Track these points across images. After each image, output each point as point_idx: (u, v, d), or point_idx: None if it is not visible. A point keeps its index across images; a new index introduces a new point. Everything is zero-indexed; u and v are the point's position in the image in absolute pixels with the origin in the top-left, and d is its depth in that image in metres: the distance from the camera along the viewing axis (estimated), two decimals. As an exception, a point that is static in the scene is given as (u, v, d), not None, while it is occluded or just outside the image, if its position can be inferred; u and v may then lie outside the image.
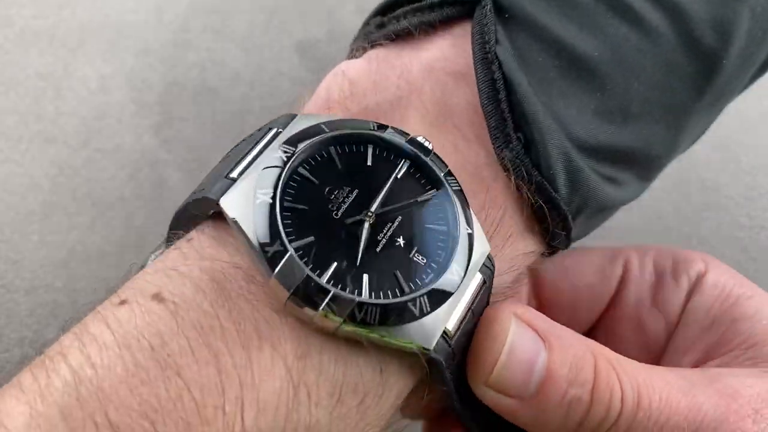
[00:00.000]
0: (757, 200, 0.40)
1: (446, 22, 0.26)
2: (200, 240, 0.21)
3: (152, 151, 0.41)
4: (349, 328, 0.19)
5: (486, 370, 0.22)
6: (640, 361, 0.24)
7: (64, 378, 0.18)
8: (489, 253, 0.22)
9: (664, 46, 0.25)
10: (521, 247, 0.25)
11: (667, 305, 0.29)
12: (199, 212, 0.21)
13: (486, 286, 0.22)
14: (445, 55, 0.25)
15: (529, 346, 0.22)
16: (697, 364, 0.28)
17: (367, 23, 0.29)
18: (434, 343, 0.20)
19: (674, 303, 0.29)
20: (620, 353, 0.24)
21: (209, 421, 0.18)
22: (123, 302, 0.20)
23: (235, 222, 0.19)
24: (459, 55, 0.25)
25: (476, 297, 0.22)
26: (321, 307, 0.19)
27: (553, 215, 0.24)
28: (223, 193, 0.20)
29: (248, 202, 0.19)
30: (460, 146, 0.24)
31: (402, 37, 0.26)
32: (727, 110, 0.43)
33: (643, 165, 0.27)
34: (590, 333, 0.31)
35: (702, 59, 0.26)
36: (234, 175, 0.20)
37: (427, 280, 0.20)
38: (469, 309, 0.21)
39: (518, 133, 0.24)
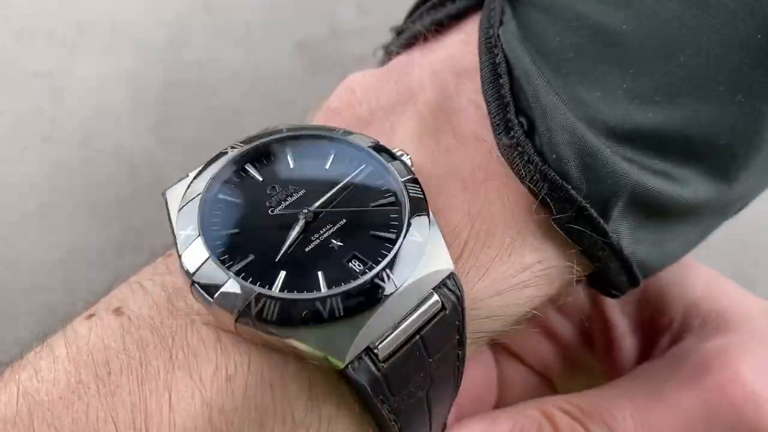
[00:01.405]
0: (758, 200, 0.40)
1: (458, 18, 0.24)
2: (175, 254, 0.20)
3: (151, 151, 0.41)
4: (245, 327, 0.17)
5: None
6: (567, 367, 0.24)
7: (10, 392, 0.18)
8: (452, 273, 0.19)
9: (717, 11, 0.21)
10: (527, 261, 0.21)
11: (572, 309, 0.29)
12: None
13: (445, 314, 0.19)
14: (452, 53, 0.24)
15: None
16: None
17: (396, 31, 0.27)
18: (348, 358, 0.17)
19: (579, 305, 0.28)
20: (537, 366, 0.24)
21: None
22: (90, 316, 0.20)
23: (168, 212, 0.19)
24: (466, 52, 0.23)
25: (429, 322, 0.19)
26: (215, 296, 0.17)
27: (566, 208, 0.21)
28: (171, 186, 0.20)
29: (181, 194, 0.20)
30: (454, 150, 0.22)
31: (415, 41, 0.25)
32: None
33: (709, 157, 0.22)
34: None
35: None
36: (189, 173, 0.20)
37: (351, 283, 0.18)
38: (416, 334, 0.18)
39: (520, 118, 0.21)
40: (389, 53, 0.26)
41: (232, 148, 0.20)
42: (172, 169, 0.41)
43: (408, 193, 0.20)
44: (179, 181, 0.20)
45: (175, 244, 0.19)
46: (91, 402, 0.18)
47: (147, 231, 0.39)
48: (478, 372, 0.28)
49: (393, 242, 0.19)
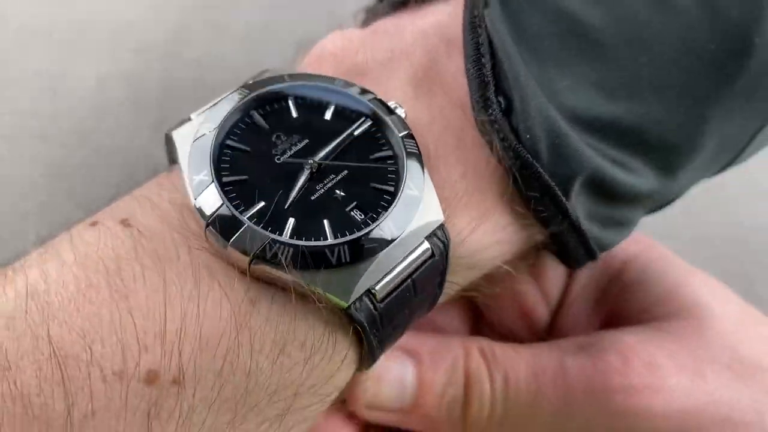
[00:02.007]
0: (758, 200, 0.40)
1: None
2: (177, 174, 0.21)
3: (150, 151, 0.41)
4: (260, 266, 0.19)
5: (359, 396, 0.24)
6: (524, 328, 0.27)
7: (17, 289, 0.18)
8: (442, 224, 0.21)
9: (681, 18, 0.23)
10: (501, 224, 0.24)
11: (548, 288, 0.30)
12: (172, 155, 0.22)
13: (434, 260, 0.21)
14: (440, 21, 0.25)
15: (394, 367, 0.25)
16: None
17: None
18: (352, 298, 0.19)
19: (555, 285, 0.30)
20: (502, 327, 0.28)
21: (147, 348, 0.18)
22: (94, 224, 0.20)
23: (177, 154, 0.20)
24: (454, 23, 0.24)
25: (419, 267, 0.21)
26: (231, 240, 0.19)
27: (534, 185, 0.23)
28: (175, 128, 0.21)
29: (191, 136, 0.20)
30: (446, 110, 0.23)
31: (401, 7, 0.26)
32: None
33: (657, 152, 0.24)
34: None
35: (728, 36, 0.23)
36: (192, 115, 0.21)
37: (355, 233, 0.20)
38: (408, 278, 0.20)
39: (499, 97, 0.23)
40: (374, 14, 0.26)
41: (237, 92, 0.21)
42: (171, 168, 0.41)
43: (405, 148, 0.21)
44: (183, 122, 0.21)
45: (187, 187, 0.19)
46: (103, 305, 0.18)
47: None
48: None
49: (392, 194, 0.20)
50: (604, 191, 0.24)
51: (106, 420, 0.17)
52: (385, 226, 0.20)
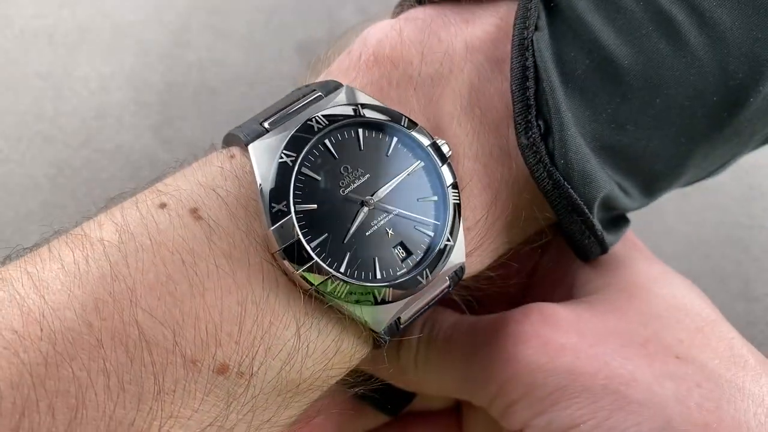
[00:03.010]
0: (757, 200, 0.40)
1: None
2: (241, 162, 0.22)
3: (152, 151, 0.41)
4: (320, 291, 0.21)
5: None
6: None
7: (102, 269, 0.19)
8: (463, 264, 0.24)
9: (697, 70, 0.25)
10: (508, 239, 0.26)
11: (522, 270, 0.32)
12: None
13: (450, 290, 0.24)
14: (489, 35, 0.26)
15: None
16: None
17: None
18: (383, 328, 0.22)
19: (527, 266, 0.31)
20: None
21: (221, 344, 0.20)
22: (163, 205, 0.21)
23: (255, 170, 0.21)
24: (500, 40, 0.26)
25: (437, 297, 0.24)
26: (302, 269, 0.21)
27: (561, 204, 0.25)
28: (253, 139, 0.22)
29: (272, 157, 0.22)
30: (482, 134, 0.25)
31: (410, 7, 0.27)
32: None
33: (646, 178, 0.27)
34: None
35: (730, 92, 0.25)
36: (266, 125, 0.22)
37: (398, 274, 0.22)
38: (427, 305, 0.24)
39: (539, 121, 0.24)
40: (419, 1, 0.27)
41: (315, 119, 0.23)
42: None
43: (449, 198, 0.24)
44: (258, 134, 0.22)
45: (265, 213, 0.21)
46: (184, 299, 0.20)
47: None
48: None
49: (431, 239, 0.23)
50: (609, 208, 0.27)
51: (186, 398, 0.19)
52: (422, 273, 0.23)
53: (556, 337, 0.25)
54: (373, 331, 0.22)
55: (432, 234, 0.23)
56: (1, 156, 0.40)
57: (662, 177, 0.27)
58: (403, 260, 0.23)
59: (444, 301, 0.25)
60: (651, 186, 0.27)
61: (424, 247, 0.23)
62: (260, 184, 0.21)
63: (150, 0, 0.46)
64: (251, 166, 0.22)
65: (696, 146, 0.26)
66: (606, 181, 0.25)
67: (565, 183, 0.24)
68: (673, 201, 0.40)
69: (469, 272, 0.25)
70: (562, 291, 0.29)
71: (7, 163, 0.40)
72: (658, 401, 0.23)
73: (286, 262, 0.21)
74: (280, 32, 0.46)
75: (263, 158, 0.21)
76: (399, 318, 0.23)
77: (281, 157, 0.22)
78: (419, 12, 0.27)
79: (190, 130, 0.42)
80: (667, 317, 0.26)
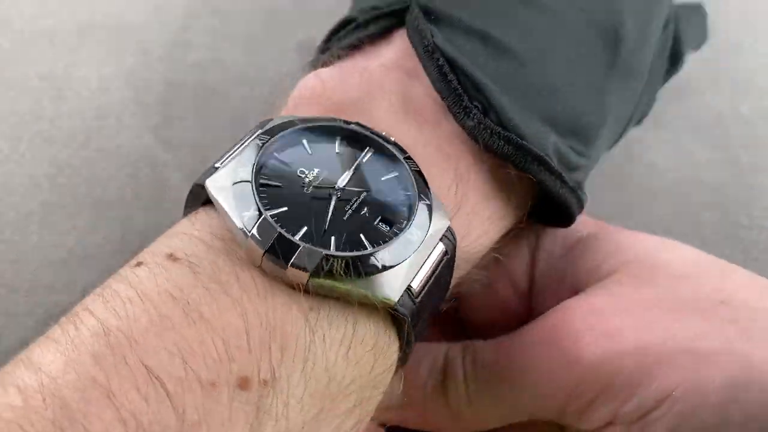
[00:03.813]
0: (757, 200, 0.40)
1: (384, 35, 0.29)
2: (207, 213, 0.23)
3: (152, 151, 0.41)
4: (318, 281, 0.21)
5: None
6: (506, 324, 0.29)
7: (93, 329, 0.19)
8: (449, 227, 0.24)
9: (571, 26, 0.28)
10: (487, 216, 0.27)
11: (513, 274, 0.32)
12: (198, 201, 0.23)
13: (448, 258, 0.24)
14: (395, 56, 0.28)
15: None
16: None
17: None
18: (399, 296, 0.22)
19: (518, 270, 0.31)
20: (486, 328, 0.29)
21: (234, 358, 0.19)
22: (139, 264, 0.21)
23: (216, 199, 0.22)
24: (406, 58, 0.28)
25: (438, 265, 0.24)
26: (291, 261, 0.21)
27: (529, 161, 0.26)
28: (207, 178, 0.22)
29: (228, 181, 0.22)
30: (425, 128, 0.26)
31: (350, 50, 0.29)
32: (727, 110, 0.43)
33: (580, 135, 0.29)
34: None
35: (604, 32, 0.29)
36: (218, 164, 0.23)
37: (388, 240, 0.23)
38: (432, 274, 0.23)
39: (474, 102, 0.26)
40: (324, 63, 0.30)
41: (257, 139, 0.24)
42: (173, 169, 0.41)
43: (409, 167, 0.24)
44: (210, 172, 0.23)
45: (236, 222, 0.21)
46: (183, 328, 0.19)
47: (148, 231, 0.39)
48: None
49: (407, 207, 0.24)
50: (564, 166, 0.28)
51: (214, 424, 0.18)
52: (413, 232, 0.23)
53: (608, 323, 0.25)
54: (387, 305, 0.22)
55: (407, 202, 0.24)
56: (1, 156, 0.40)
57: (594, 129, 0.29)
58: (389, 231, 0.23)
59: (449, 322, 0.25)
60: (587, 140, 0.29)
61: (405, 215, 0.24)
62: (224, 208, 0.22)
63: (150, 0, 0.46)
64: (214, 206, 0.22)
65: (604, 95, 0.29)
66: (548, 131, 0.27)
67: (524, 142, 0.26)
68: (673, 201, 0.40)
69: (469, 252, 0.26)
70: (565, 290, 0.29)
71: (7, 163, 0.40)
72: (730, 345, 0.23)
73: (274, 263, 0.21)
74: (280, 32, 0.46)
75: (223, 187, 0.22)
76: (410, 287, 0.23)
77: (237, 176, 0.22)
78: (331, 65, 0.29)
79: (190, 130, 0.42)
80: (692, 274, 0.26)
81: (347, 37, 0.30)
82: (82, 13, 0.46)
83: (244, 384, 0.19)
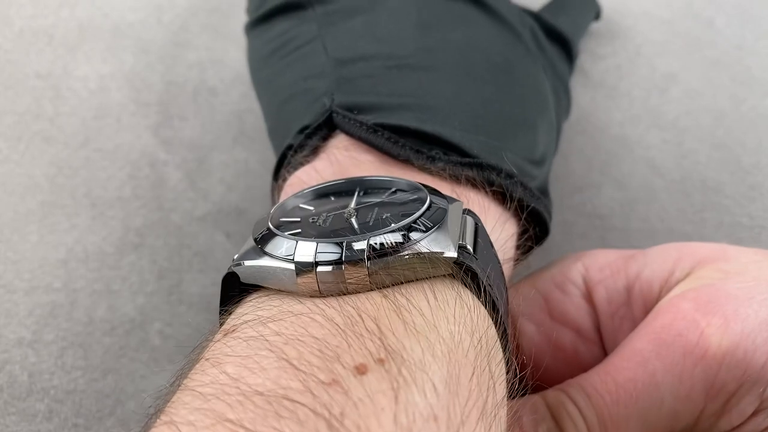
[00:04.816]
0: (757, 200, 0.40)
1: (324, 142, 0.30)
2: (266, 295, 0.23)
3: (152, 151, 0.41)
4: (376, 267, 0.21)
5: None
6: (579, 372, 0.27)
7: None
8: (468, 209, 0.25)
9: (474, 24, 0.32)
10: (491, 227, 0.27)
11: (566, 316, 0.30)
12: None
13: (481, 226, 0.25)
14: (346, 146, 0.29)
15: None
16: None
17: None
18: (454, 249, 0.22)
19: (572, 311, 0.30)
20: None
21: (339, 355, 0.19)
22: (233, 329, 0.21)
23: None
24: (355, 146, 0.29)
25: (476, 231, 0.24)
26: (343, 258, 0.21)
27: (494, 177, 0.27)
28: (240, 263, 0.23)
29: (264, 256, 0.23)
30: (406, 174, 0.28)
31: (309, 158, 0.30)
32: (727, 109, 0.43)
33: (495, 124, 0.30)
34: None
35: (496, 17, 0.33)
36: (263, 249, 0.23)
37: (419, 216, 0.23)
38: (476, 237, 0.24)
39: (435, 150, 0.28)
40: (284, 179, 0.30)
41: (275, 226, 0.24)
42: (173, 169, 0.41)
43: (406, 180, 0.25)
44: (241, 261, 0.23)
45: (312, 263, 0.22)
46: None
47: (147, 231, 0.39)
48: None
49: (422, 201, 0.24)
50: (527, 176, 0.29)
51: (357, 415, 0.17)
52: (438, 200, 0.24)
53: (719, 309, 0.24)
54: (450, 259, 0.22)
55: (419, 200, 0.24)
56: (0, 156, 0.40)
57: (517, 119, 0.30)
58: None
59: None
60: (513, 128, 0.30)
61: (422, 205, 0.24)
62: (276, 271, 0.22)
63: (150, 0, 0.46)
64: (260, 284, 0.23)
65: (513, 73, 0.31)
66: (498, 146, 0.29)
67: (482, 161, 0.28)
68: (673, 201, 0.40)
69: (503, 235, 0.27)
70: (639, 309, 0.29)
71: (7, 163, 0.40)
72: None
73: (348, 272, 0.21)
74: (280, 32, 0.45)
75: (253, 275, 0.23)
76: (462, 244, 0.22)
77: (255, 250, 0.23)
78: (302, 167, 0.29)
79: (190, 130, 0.42)
80: (762, 258, 0.26)
81: (295, 157, 0.30)
82: (81, 12, 0.46)
83: (362, 369, 0.18)
